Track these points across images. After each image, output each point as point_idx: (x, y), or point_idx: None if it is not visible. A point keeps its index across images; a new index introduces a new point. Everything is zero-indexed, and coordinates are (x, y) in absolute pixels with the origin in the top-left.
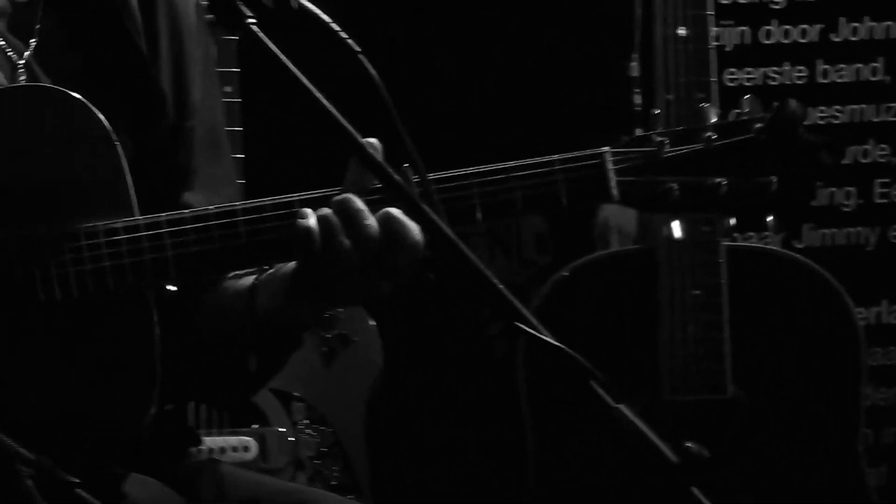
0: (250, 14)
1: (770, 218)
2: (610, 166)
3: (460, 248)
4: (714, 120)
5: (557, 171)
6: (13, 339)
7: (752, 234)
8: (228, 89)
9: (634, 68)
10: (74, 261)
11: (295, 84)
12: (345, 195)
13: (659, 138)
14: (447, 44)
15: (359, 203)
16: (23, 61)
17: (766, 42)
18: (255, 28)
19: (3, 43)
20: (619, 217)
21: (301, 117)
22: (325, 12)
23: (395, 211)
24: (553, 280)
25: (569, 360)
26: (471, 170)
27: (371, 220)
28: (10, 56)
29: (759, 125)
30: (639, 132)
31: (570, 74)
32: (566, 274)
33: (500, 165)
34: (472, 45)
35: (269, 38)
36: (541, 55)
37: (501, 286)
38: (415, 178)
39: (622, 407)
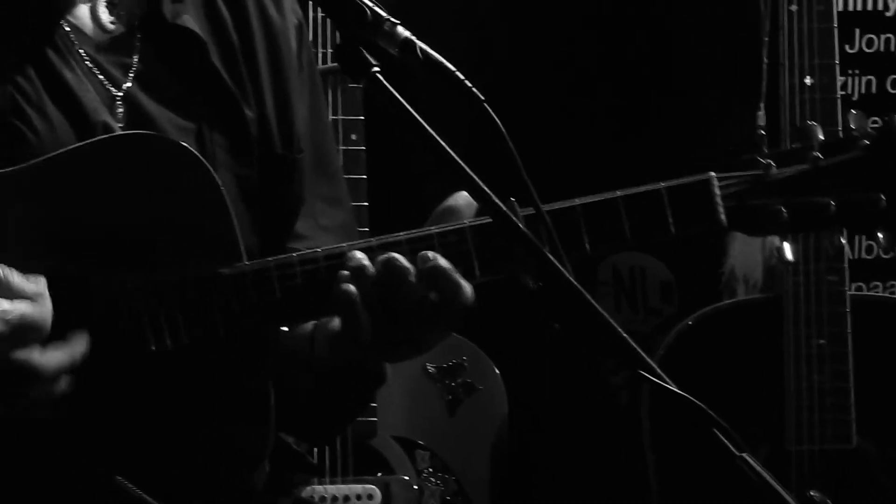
0: (375, 62)
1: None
2: (716, 191)
3: (585, 298)
4: (820, 138)
5: (664, 199)
6: (125, 389)
7: (877, 283)
8: (354, 137)
9: (761, 117)
10: (183, 308)
11: (419, 132)
12: (389, 255)
13: (765, 160)
14: (560, 78)
15: (403, 261)
16: (121, 93)
17: (893, 91)
18: (379, 76)
19: (101, 77)
20: (745, 266)
21: (425, 165)
22: (447, 58)
23: (443, 263)
24: (677, 329)
25: (693, 408)
26: (577, 201)
27: (412, 281)
28: (108, 89)
29: (865, 142)
30: (745, 155)
31: (695, 120)
32: (690, 323)
33: (607, 195)
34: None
35: (394, 86)
36: (666, 101)
37: (626, 335)
38: (524, 212)
39: (746, 456)
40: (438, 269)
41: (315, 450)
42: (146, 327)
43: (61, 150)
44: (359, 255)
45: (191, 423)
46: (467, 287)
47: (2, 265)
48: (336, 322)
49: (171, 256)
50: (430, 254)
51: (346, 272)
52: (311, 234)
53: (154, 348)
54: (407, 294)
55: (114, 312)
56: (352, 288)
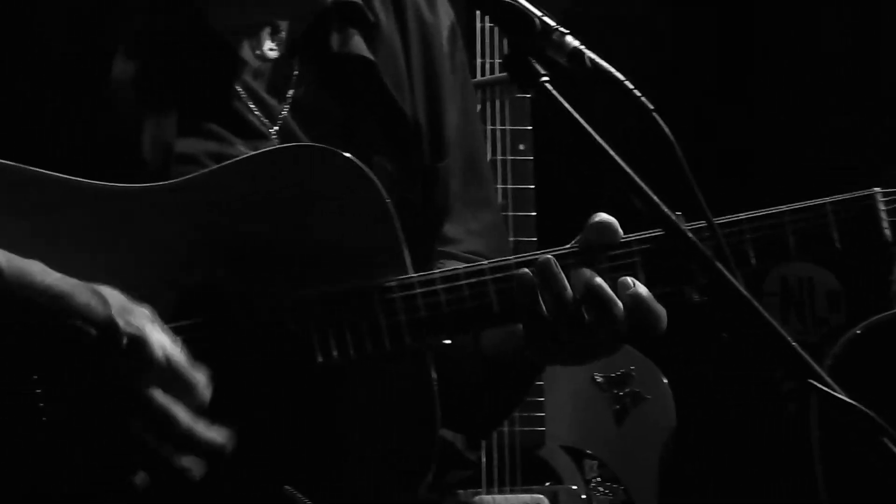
0: (544, 72)
1: None
2: (881, 206)
3: (755, 307)
4: None
5: (829, 214)
6: (292, 401)
7: None
8: (522, 147)
9: None
10: (350, 322)
11: (589, 142)
12: (546, 257)
13: None
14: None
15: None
16: (275, 127)
17: None
18: (548, 86)
19: (257, 112)
20: None
21: (594, 175)
22: (616, 68)
23: (642, 290)
24: (846, 339)
25: (863, 417)
26: (743, 215)
27: (566, 286)
28: (263, 122)
29: None
30: None
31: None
32: (858, 332)
33: (773, 210)
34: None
35: (562, 96)
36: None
37: (795, 344)
38: (690, 225)
39: None
40: (639, 299)
41: (483, 459)
42: (313, 341)
43: (223, 164)
44: (560, 274)
45: (357, 432)
46: (664, 317)
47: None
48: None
49: (336, 269)
50: (630, 280)
51: (544, 285)
52: (461, 237)
53: (321, 361)
54: (612, 320)
55: (280, 326)
56: (548, 307)
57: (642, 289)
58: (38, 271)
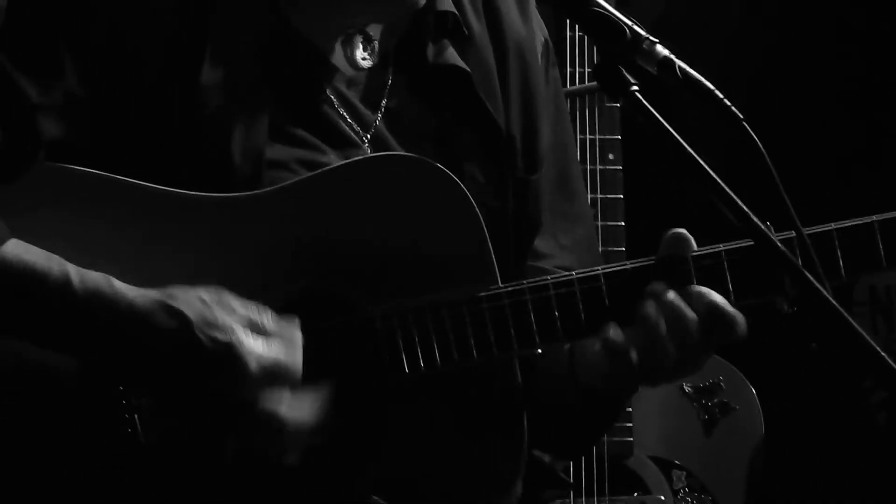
0: (634, 81)
1: None
2: None
3: (844, 317)
4: None
5: None
6: (379, 410)
7: None
8: (611, 157)
9: None
10: (438, 332)
11: (679, 151)
12: (715, 301)
13: None
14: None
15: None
16: (368, 136)
17: None
18: (639, 95)
19: (350, 121)
20: None
21: (684, 185)
22: (707, 78)
23: (717, 298)
24: None
25: None
26: (833, 225)
27: (690, 313)
28: (356, 130)
29: None
30: None
31: None
32: None
33: (862, 220)
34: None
35: (652, 105)
36: None
37: (884, 354)
38: (779, 236)
39: None
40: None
41: (571, 469)
42: (401, 350)
43: (316, 172)
44: (673, 295)
45: (444, 444)
46: (739, 317)
47: (258, 305)
48: (598, 344)
49: (426, 279)
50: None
51: (658, 306)
52: (553, 252)
53: (408, 371)
54: (733, 337)
55: (370, 334)
56: (663, 325)
57: (718, 297)
58: (111, 289)
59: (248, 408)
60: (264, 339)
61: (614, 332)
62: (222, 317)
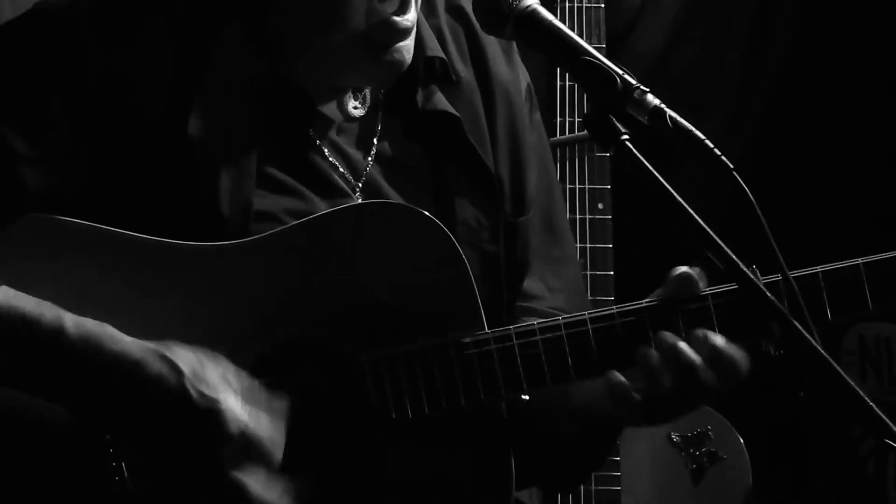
0: (625, 130)
1: None
2: None
3: (832, 365)
4: None
5: None
6: (364, 456)
7: None
8: (601, 206)
9: None
10: (425, 379)
11: (668, 200)
12: (721, 346)
13: None
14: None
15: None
16: (360, 184)
17: None
18: (629, 144)
19: (341, 170)
20: None
21: (674, 235)
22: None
23: (719, 341)
24: None
25: None
26: (818, 268)
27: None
28: (347, 179)
29: None
30: None
31: None
32: None
33: (848, 262)
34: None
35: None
36: None
37: (872, 404)
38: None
39: None
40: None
41: None
42: (388, 396)
43: (302, 220)
44: (682, 345)
45: (431, 490)
46: (741, 357)
47: (252, 377)
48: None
49: (413, 326)
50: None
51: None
52: (542, 294)
53: (395, 417)
54: (732, 378)
55: (357, 380)
56: (668, 374)
57: (719, 339)
58: (108, 336)
59: (218, 470)
60: (252, 409)
61: (615, 376)
62: (214, 377)
